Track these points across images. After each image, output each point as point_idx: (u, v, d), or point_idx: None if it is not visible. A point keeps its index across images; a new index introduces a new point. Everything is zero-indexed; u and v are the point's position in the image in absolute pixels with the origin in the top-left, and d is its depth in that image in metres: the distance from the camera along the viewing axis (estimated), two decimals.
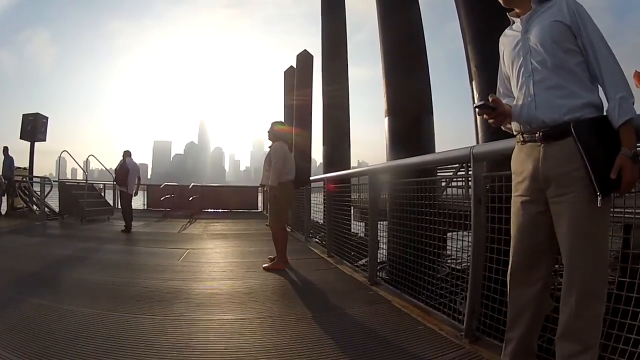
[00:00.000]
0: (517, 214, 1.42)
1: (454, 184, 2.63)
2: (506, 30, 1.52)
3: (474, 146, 2.07)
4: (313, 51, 10.98)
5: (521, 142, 1.40)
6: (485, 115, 1.40)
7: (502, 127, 1.47)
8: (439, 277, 2.68)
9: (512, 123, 1.43)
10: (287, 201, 4.31)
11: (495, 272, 1.93)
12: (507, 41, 1.48)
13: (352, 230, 5.01)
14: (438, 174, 2.94)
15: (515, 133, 1.44)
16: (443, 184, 2.82)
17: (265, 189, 9.87)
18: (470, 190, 2.21)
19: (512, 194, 1.46)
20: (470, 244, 2.16)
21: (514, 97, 1.44)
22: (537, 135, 1.31)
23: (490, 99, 1.38)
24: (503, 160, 1.69)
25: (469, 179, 2.19)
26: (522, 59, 1.37)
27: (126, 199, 7.76)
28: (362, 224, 5.06)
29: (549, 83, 1.29)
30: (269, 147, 4.21)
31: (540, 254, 1.38)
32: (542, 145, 1.30)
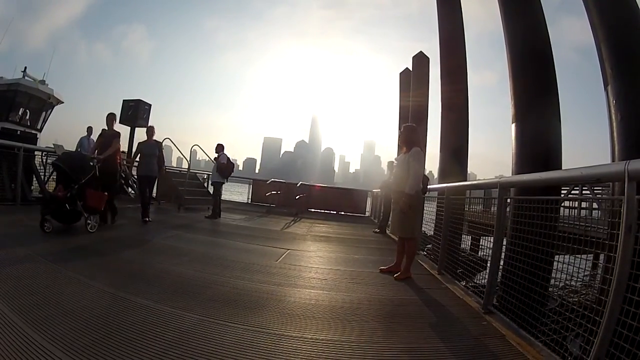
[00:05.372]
0: None
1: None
2: None
3: (629, 161, 1.76)
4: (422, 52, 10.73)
5: None
6: None
7: None
8: (551, 309, 2.45)
9: None
10: (421, 210, 4.18)
11: (632, 317, 1.70)
12: None
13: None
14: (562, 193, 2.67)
15: None
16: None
17: (380, 194, 9.74)
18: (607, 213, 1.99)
19: None
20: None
21: None
22: None
23: None
24: None
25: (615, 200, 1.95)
26: None
27: (220, 188, 8.75)
28: (468, 238, 4.81)
29: None
30: (404, 152, 4.12)
31: None
32: None
